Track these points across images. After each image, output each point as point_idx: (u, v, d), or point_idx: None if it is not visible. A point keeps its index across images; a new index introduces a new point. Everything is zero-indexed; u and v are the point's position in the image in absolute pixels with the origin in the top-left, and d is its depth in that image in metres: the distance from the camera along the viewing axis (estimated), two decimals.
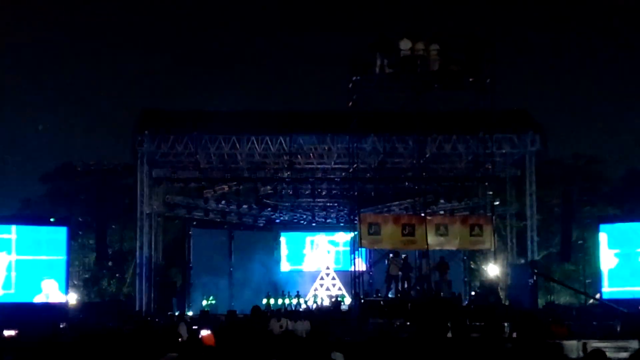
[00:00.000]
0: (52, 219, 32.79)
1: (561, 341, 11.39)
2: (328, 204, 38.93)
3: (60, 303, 30.20)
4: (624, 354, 11.16)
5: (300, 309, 33.86)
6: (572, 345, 10.85)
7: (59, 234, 31.07)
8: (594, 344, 13.66)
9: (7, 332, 16.00)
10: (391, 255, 29.00)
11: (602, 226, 32.72)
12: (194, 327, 21.52)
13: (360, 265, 31.45)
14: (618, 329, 23.57)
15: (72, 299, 33.68)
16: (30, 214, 41.33)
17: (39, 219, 33.61)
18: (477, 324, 15.33)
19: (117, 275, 43.92)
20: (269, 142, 32.55)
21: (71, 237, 32.95)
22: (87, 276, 42.62)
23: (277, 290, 37.70)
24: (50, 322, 21.74)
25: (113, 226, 41.08)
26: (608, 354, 7.69)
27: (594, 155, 49.61)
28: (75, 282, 38.06)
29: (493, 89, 27.77)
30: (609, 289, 31.06)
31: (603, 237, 31.71)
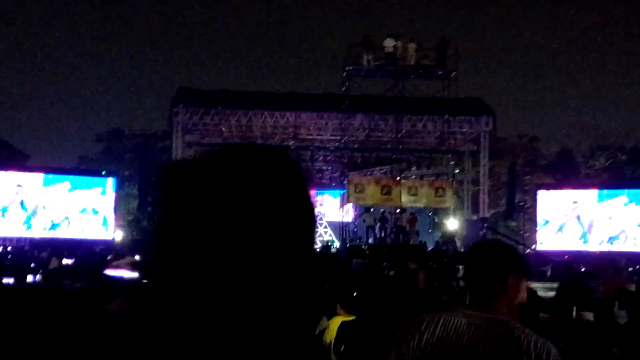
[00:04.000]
0: (103, 172, 32.81)
1: None
2: (324, 167, 38.84)
3: (107, 239, 30.28)
4: (551, 293, 11.30)
5: None
6: None
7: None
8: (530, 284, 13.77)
9: (66, 261, 16.10)
10: (371, 210, 29.18)
11: (539, 192, 32.82)
12: None
13: (347, 216, 31.62)
14: (548, 274, 23.74)
15: (118, 235, 33.76)
16: (86, 168, 41.31)
17: (94, 171, 33.71)
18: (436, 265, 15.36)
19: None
20: (278, 117, 32.53)
21: (118, 186, 32.98)
22: (130, 218, 42.63)
23: None
24: (100, 253, 21.74)
25: (152, 179, 40.97)
26: (539, 293, 7.77)
27: (535, 135, 49.98)
28: (121, 223, 38.05)
29: (457, 80, 27.99)
30: (542, 241, 31.22)
31: (540, 200, 31.83)
